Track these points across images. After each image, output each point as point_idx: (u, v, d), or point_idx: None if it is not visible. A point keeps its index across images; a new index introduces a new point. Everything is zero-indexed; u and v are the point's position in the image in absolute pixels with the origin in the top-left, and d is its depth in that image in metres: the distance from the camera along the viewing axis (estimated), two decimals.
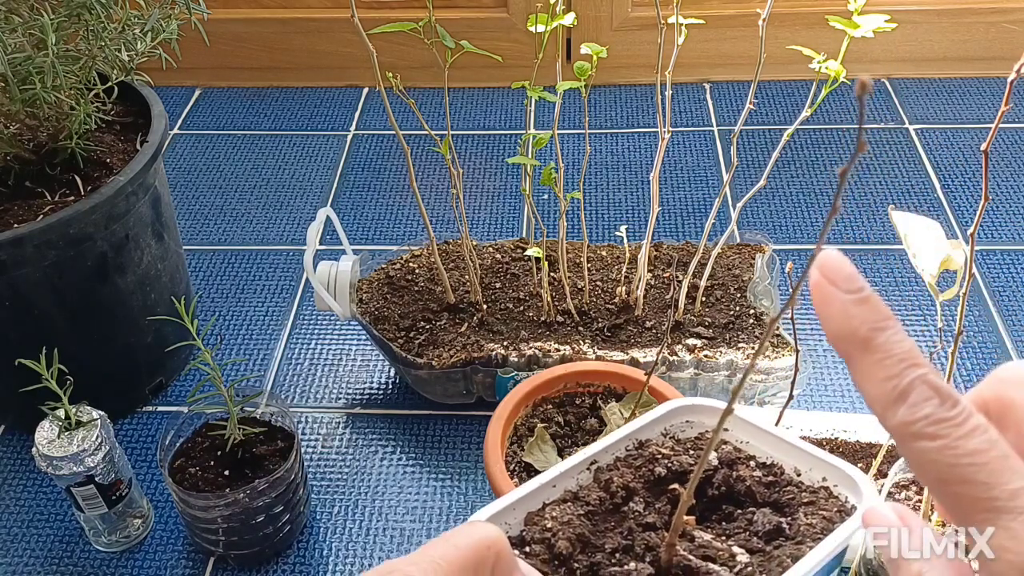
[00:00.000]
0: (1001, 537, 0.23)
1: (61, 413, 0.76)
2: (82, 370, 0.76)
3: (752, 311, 0.93)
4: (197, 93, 1.49)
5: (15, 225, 0.80)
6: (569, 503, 0.40)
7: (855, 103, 1.40)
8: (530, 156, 1.10)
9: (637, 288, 0.93)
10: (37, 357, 0.72)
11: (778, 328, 0.91)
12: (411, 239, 1.19)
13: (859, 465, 0.80)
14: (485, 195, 1.26)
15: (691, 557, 0.37)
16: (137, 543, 0.85)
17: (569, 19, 0.80)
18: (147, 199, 0.88)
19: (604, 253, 1.02)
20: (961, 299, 0.60)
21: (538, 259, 0.91)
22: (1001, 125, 0.52)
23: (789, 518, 0.40)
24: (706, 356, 0.88)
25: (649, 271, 0.96)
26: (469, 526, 0.28)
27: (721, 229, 1.15)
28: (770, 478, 0.42)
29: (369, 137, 1.38)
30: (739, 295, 0.95)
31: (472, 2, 1.41)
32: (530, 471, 0.75)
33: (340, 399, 0.98)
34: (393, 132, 1.27)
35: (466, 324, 0.92)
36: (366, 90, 1.48)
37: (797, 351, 0.69)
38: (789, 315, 0.79)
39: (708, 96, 1.43)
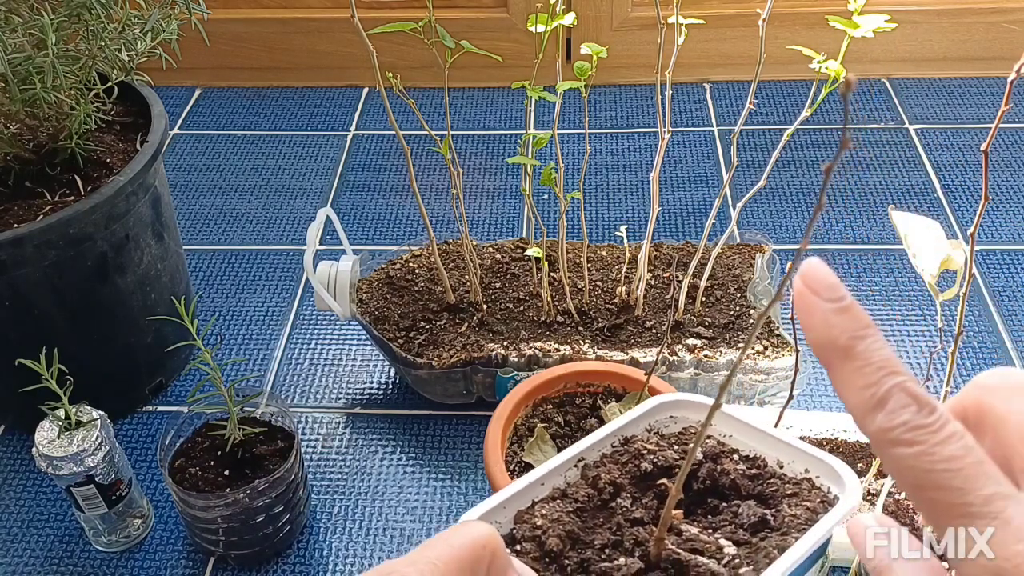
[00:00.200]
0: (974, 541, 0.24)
1: (61, 413, 0.76)
2: (82, 370, 0.76)
3: (752, 311, 0.93)
4: (197, 93, 1.49)
5: (15, 225, 0.80)
6: (558, 500, 0.40)
7: (855, 103, 1.40)
8: (530, 156, 1.10)
9: (637, 288, 0.93)
10: (37, 357, 0.72)
11: (778, 328, 0.91)
12: (411, 239, 1.19)
13: (859, 465, 0.80)
14: (485, 195, 1.26)
15: (679, 551, 0.38)
16: (137, 543, 0.85)
17: (569, 19, 0.80)
18: (147, 199, 0.88)
19: (604, 253, 1.02)
20: (961, 299, 0.60)
21: (538, 259, 0.91)
22: (1001, 125, 0.52)
23: (773, 510, 0.40)
24: (706, 356, 0.88)
25: (649, 271, 0.96)
26: (464, 526, 0.28)
27: (721, 229, 1.15)
28: (754, 471, 0.43)
29: (369, 137, 1.38)
30: (739, 295, 0.95)
31: (472, 2, 1.41)
32: (530, 471, 0.75)
33: (340, 399, 0.98)
34: (393, 132, 1.27)
35: (466, 324, 0.92)
36: (366, 90, 1.48)
37: (797, 351, 0.69)
38: (790, 316, 0.79)
39: (708, 96, 1.43)
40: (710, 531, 0.40)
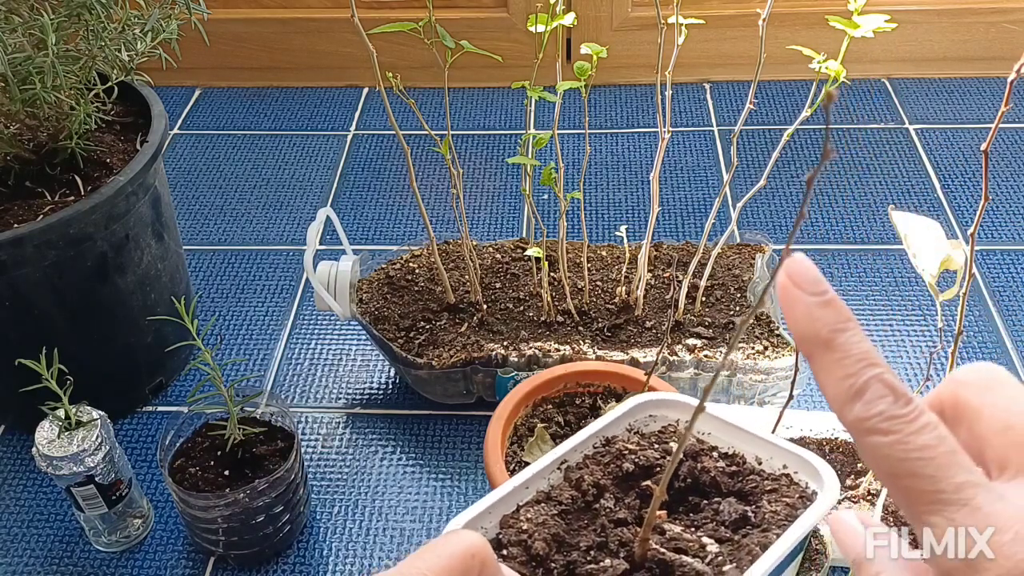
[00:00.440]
0: (944, 528, 0.25)
1: (61, 413, 0.76)
2: (82, 370, 0.76)
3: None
4: (197, 93, 1.49)
5: (15, 225, 0.80)
6: (542, 504, 0.40)
7: (855, 103, 1.40)
8: (530, 156, 1.10)
9: (637, 288, 0.93)
10: (37, 357, 0.72)
11: (778, 328, 0.91)
12: (411, 239, 1.19)
13: (859, 465, 0.80)
14: (485, 195, 1.26)
15: (664, 551, 0.38)
16: (137, 543, 0.85)
17: (569, 19, 0.80)
18: (147, 199, 0.88)
19: (604, 253, 1.02)
20: (961, 299, 0.60)
21: (538, 259, 0.91)
22: (1001, 125, 0.52)
23: (754, 506, 0.41)
24: (706, 356, 0.88)
25: (649, 271, 0.96)
26: (453, 535, 0.28)
27: (721, 229, 1.15)
28: (733, 468, 0.43)
29: (369, 137, 1.38)
30: (739, 295, 0.95)
31: (472, 2, 1.41)
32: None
33: (340, 399, 0.98)
34: (393, 132, 1.27)
35: (466, 324, 0.92)
36: (366, 90, 1.48)
37: (797, 351, 0.69)
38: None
39: (708, 96, 1.43)
40: (692, 529, 0.40)
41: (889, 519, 0.69)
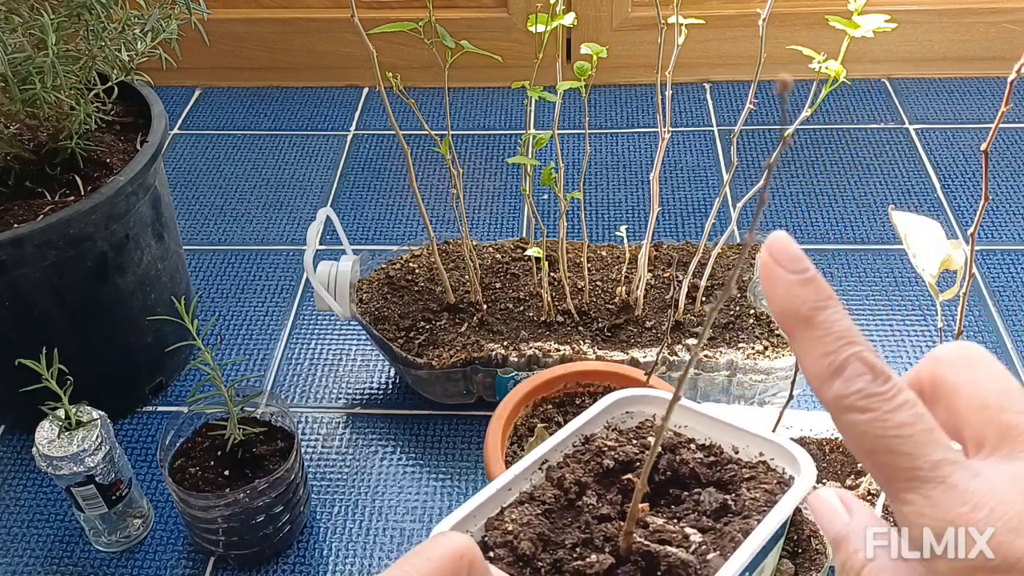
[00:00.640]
0: (921, 504, 0.25)
1: (61, 413, 0.76)
2: (82, 370, 0.76)
3: (752, 311, 0.93)
4: (197, 93, 1.49)
5: (15, 225, 0.80)
6: (526, 504, 0.41)
7: (855, 103, 1.40)
8: (530, 156, 1.10)
9: (637, 288, 0.93)
10: (37, 357, 0.72)
11: (778, 328, 0.91)
12: (411, 239, 1.19)
13: (859, 465, 0.80)
14: (485, 195, 1.26)
15: (648, 543, 0.39)
16: (137, 543, 0.85)
17: (569, 19, 0.80)
18: (147, 199, 0.88)
19: (604, 253, 1.02)
20: (961, 299, 0.60)
21: (538, 259, 0.91)
22: (1001, 125, 0.52)
23: (733, 495, 0.42)
24: (706, 356, 0.88)
25: (649, 271, 0.96)
26: (441, 537, 0.28)
27: (721, 229, 1.15)
28: (711, 458, 0.44)
29: (369, 137, 1.38)
30: (739, 295, 0.95)
31: (472, 2, 1.41)
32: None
33: (340, 399, 0.98)
34: (393, 132, 1.27)
35: (466, 324, 0.92)
36: (366, 90, 1.48)
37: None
38: None
39: (708, 96, 1.43)
40: (675, 521, 0.41)
41: (889, 518, 0.69)
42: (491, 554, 0.38)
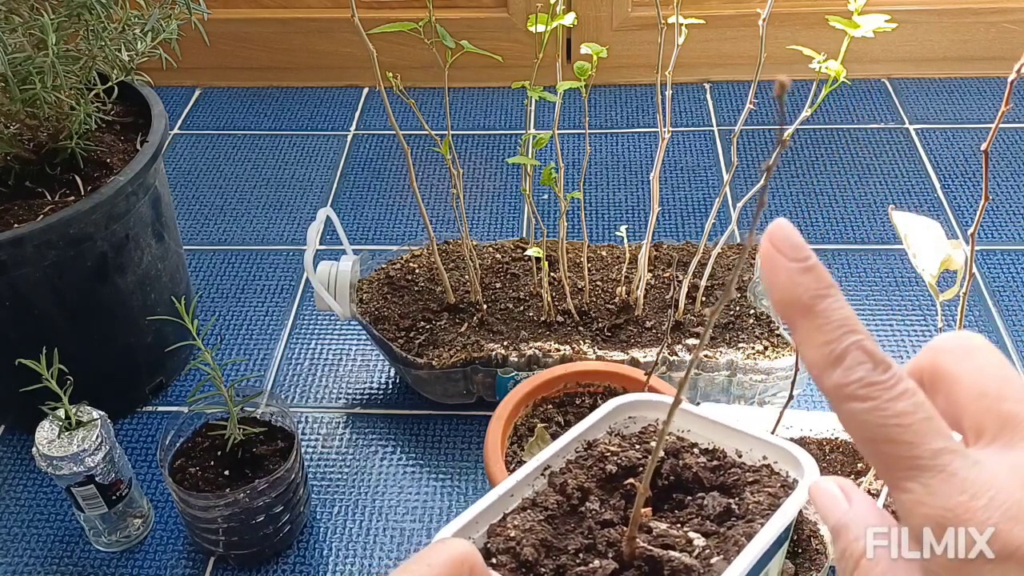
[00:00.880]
0: (920, 493, 0.25)
1: (61, 413, 0.76)
2: (82, 370, 0.76)
3: (752, 311, 0.93)
4: (197, 93, 1.49)
5: (15, 225, 0.80)
6: (529, 510, 0.41)
7: (855, 103, 1.40)
8: (530, 156, 1.10)
9: (637, 288, 0.93)
10: (37, 357, 0.72)
11: (778, 328, 0.91)
12: (411, 239, 1.19)
13: (859, 465, 0.80)
14: (485, 195, 1.26)
15: (651, 548, 0.39)
16: (137, 543, 0.85)
17: (569, 19, 0.80)
18: (147, 199, 0.88)
19: (604, 253, 1.02)
20: (961, 299, 0.60)
21: (538, 259, 0.91)
22: (1001, 125, 0.52)
23: (737, 498, 0.42)
24: (706, 356, 0.88)
25: (649, 271, 0.96)
26: (442, 543, 0.28)
27: (721, 229, 1.15)
28: (714, 462, 0.44)
29: (369, 137, 1.38)
30: (739, 295, 0.95)
31: (472, 2, 1.41)
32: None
33: (340, 399, 0.98)
34: (393, 132, 1.27)
35: (466, 324, 0.92)
36: (366, 90, 1.48)
37: (797, 351, 0.69)
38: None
39: (708, 96, 1.43)
40: (678, 525, 0.41)
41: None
42: (494, 560, 0.38)
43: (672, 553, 0.38)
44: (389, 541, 0.85)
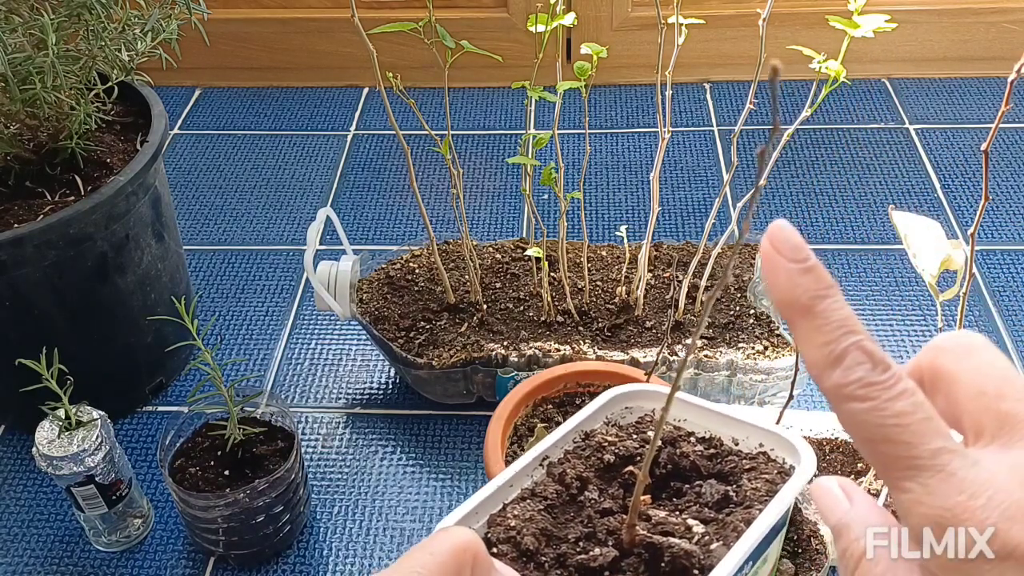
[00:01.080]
0: (919, 493, 0.25)
1: (61, 413, 0.76)
2: (82, 370, 0.76)
3: (752, 311, 0.93)
4: (197, 93, 1.49)
5: (15, 225, 0.80)
6: (528, 500, 0.41)
7: (855, 103, 1.40)
8: (530, 156, 1.10)
9: (637, 288, 0.93)
10: (37, 357, 0.72)
11: (778, 328, 0.91)
12: (411, 239, 1.19)
13: (859, 465, 0.80)
14: (485, 195, 1.26)
15: (651, 535, 0.39)
16: (137, 543, 0.85)
17: (569, 19, 0.80)
18: (147, 199, 0.88)
19: (604, 253, 1.02)
20: (961, 299, 0.60)
21: (538, 259, 0.91)
22: (1001, 125, 0.52)
23: (735, 486, 0.42)
24: (706, 356, 0.88)
25: (649, 271, 0.96)
26: (444, 532, 0.28)
27: (721, 229, 1.15)
28: (711, 451, 0.44)
29: (369, 137, 1.38)
30: (739, 295, 0.95)
31: (472, 2, 1.41)
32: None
33: (340, 399, 0.98)
34: (393, 132, 1.27)
35: (466, 324, 0.92)
36: (366, 90, 1.48)
37: (797, 351, 0.69)
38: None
39: (708, 96, 1.43)
40: (677, 513, 0.41)
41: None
42: (495, 550, 0.38)
43: (672, 540, 0.38)
44: (389, 541, 0.85)
